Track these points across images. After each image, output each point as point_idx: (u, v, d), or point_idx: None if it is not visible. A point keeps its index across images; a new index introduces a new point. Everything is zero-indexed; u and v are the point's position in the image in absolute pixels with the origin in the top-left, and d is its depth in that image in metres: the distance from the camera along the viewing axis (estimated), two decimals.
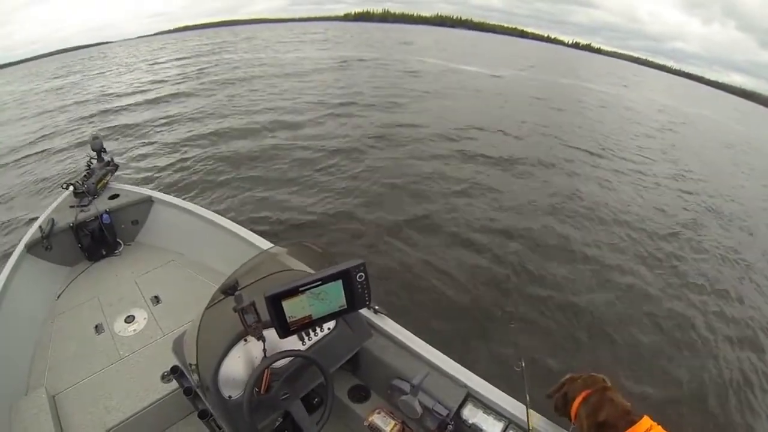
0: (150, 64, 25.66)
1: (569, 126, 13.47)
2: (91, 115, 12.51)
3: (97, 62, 31.87)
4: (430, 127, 10.82)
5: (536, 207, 6.83)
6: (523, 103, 16.44)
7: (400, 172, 7.70)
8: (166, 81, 18.10)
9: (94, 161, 3.50)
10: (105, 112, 12.78)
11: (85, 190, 3.23)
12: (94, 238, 3.07)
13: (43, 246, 2.82)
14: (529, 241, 5.68)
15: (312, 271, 1.64)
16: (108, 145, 3.67)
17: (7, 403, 1.89)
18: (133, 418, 1.91)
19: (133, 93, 15.65)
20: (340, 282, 1.31)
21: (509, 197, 7.12)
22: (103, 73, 24.08)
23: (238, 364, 1.51)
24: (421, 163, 8.35)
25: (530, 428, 1.49)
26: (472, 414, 1.66)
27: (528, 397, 1.56)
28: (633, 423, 1.13)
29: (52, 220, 2.94)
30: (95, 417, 1.91)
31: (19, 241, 2.85)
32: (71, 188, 3.28)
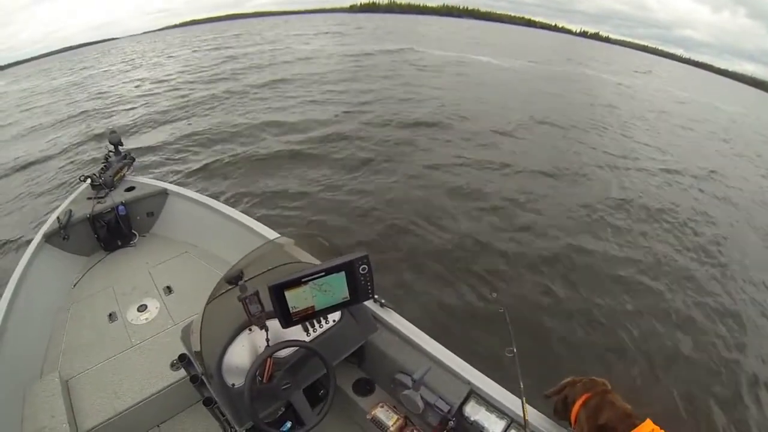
0: (152, 65, 24.04)
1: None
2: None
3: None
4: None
5: None
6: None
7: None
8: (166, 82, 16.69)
9: (112, 154, 3.58)
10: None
11: (102, 182, 3.32)
12: (110, 229, 3.15)
13: (61, 236, 2.91)
14: None
15: (318, 263, 1.66)
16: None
17: (22, 387, 1.95)
18: (141, 404, 1.96)
19: (136, 97, 14.82)
20: (343, 274, 1.31)
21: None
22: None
23: (242, 353, 1.53)
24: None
25: (526, 420, 1.48)
26: (474, 411, 1.65)
27: (522, 385, 1.54)
28: (634, 426, 1.12)
29: (70, 211, 3.03)
30: (105, 402, 1.95)
31: (38, 231, 2.94)
32: (89, 180, 3.36)
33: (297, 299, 1.29)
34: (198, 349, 1.45)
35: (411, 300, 4.05)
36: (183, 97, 13.45)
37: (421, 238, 5.16)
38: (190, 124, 10.25)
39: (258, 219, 2.94)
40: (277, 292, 1.25)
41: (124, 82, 18.20)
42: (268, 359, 1.46)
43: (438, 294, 4.20)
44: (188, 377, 1.66)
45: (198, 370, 1.61)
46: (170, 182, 3.71)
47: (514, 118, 11.17)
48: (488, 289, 4.21)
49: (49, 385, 1.93)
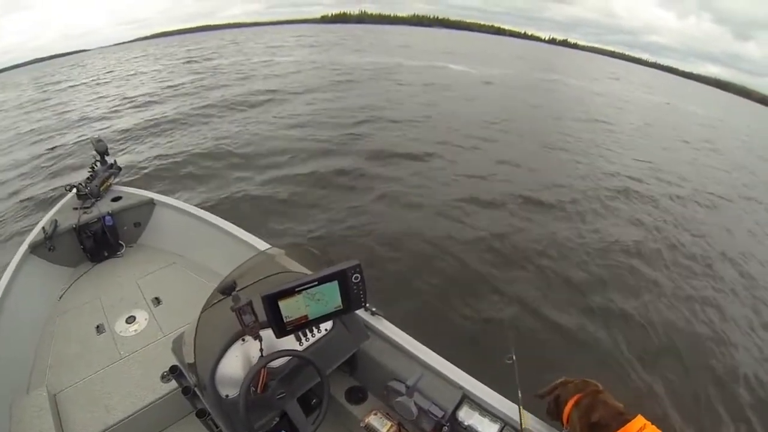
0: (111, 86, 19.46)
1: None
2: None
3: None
4: None
5: None
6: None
7: None
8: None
9: (98, 164, 3.54)
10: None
11: (88, 192, 3.27)
12: (97, 239, 3.11)
13: (46, 247, 2.86)
14: None
15: (310, 273, 1.67)
16: None
17: (8, 402, 1.91)
18: (132, 418, 1.93)
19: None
20: (335, 283, 1.32)
21: None
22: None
23: (235, 364, 1.53)
24: None
25: (523, 428, 1.50)
26: (467, 416, 1.67)
27: (520, 394, 1.56)
28: (626, 422, 1.15)
29: (55, 221, 2.98)
30: (95, 416, 1.92)
31: (23, 241, 2.89)
32: (74, 190, 3.32)
33: (290, 309, 1.29)
34: (191, 360, 1.44)
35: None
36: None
37: None
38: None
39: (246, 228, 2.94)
40: (271, 302, 1.25)
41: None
42: (262, 369, 1.46)
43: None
44: (180, 389, 1.66)
45: (190, 381, 1.60)
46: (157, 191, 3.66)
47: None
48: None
49: (37, 399, 1.90)
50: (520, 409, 1.54)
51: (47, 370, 2.23)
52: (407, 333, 2.02)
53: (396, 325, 2.06)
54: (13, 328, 2.34)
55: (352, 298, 1.37)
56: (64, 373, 2.19)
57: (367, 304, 2.01)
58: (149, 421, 1.99)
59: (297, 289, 1.27)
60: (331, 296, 1.34)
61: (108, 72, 26.19)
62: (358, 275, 1.34)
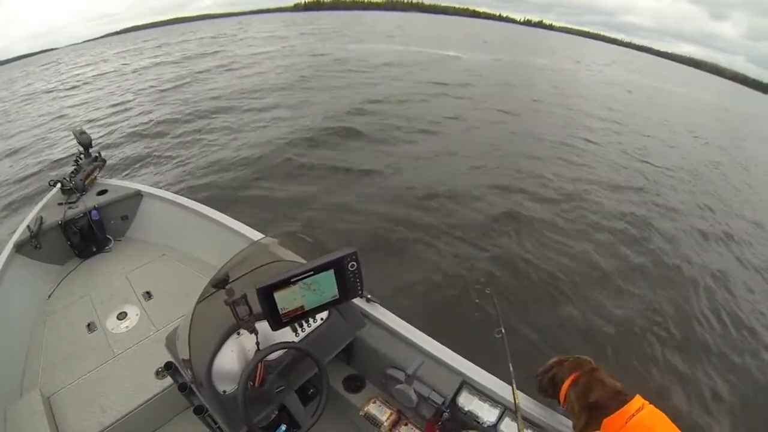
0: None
1: None
2: None
3: None
4: None
5: None
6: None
7: None
8: None
9: (82, 157, 3.43)
10: None
11: (73, 186, 3.17)
12: (84, 235, 3.03)
13: (32, 245, 2.77)
14: None
15: (304, 262, 1.63)
16: None
17: (2, 407, 1.86)
18: (128, 416, 1.90)
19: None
20: (331, 272, 1.30)
21: None
22: None
23: (231, 358, 1.50)
24: None
25: (517, 404, 1.51)
26: (467, 401, 1.66)
27: (511, 367, 1.56)
28: (624, 403, 1.14)
29: (41, 218, 2.89)
30: (91, 417, 1.89)
31: (8, 240, 2.80)
32: (59, 185, 3.21)
33: (286, 300, 1.27)
34: (186, 356, 1.40)
35: None
36: None
37: None
38: None
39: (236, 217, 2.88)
40: (266, 294, 1.22)
41: None
42: (260, 364, 1.43)
43: None
44: (175, 385, 1.62)
45: (186, 377, 1.57)
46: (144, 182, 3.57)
47: None
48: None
49: (31, 403, 1.85)
50: (513, 386, 1.54)
51: (40, 372, 2.17)
52: (403, 319, 2.00)
53: (392, 311, 2.04)
54: (2, 331, 2.28)
55: (348, 287, 1.35)
56: (57, 375, 2.14)
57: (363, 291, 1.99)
58: (146, 419, 1.96)
59: (292, 280, 1.24)
60: (327, 285, 1.32)
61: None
62: (354, 263, 1.32)
